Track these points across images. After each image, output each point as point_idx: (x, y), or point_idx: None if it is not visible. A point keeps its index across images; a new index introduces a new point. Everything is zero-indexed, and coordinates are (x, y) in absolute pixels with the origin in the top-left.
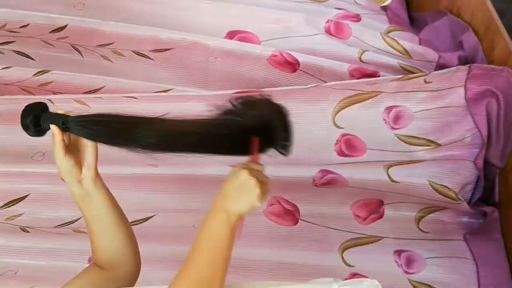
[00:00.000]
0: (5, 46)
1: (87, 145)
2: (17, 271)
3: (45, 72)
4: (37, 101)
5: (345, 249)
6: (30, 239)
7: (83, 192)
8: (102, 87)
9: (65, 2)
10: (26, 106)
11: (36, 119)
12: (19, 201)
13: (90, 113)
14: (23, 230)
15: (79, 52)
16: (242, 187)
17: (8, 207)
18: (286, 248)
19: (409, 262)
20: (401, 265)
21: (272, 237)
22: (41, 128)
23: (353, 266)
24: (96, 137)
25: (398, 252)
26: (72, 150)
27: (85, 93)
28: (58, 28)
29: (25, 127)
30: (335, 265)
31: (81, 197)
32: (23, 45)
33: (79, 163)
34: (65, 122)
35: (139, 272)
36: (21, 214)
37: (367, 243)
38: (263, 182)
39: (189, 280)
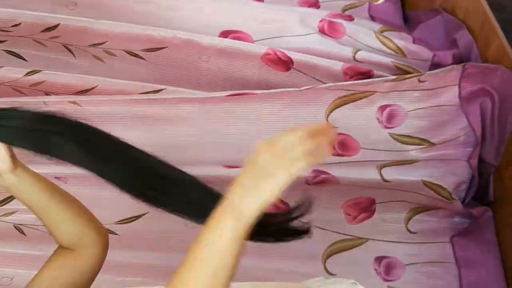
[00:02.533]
0: None
1: None
2: (12, 278)
3: (36, 72)
4: None
5: (328, 255)
6: (25, 245)
7: (8, 184)
8: (95, 87)
9: (57, 2)
10: None
11: None
12: (13, 199)
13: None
14: (17, 229)
15: (71, 52)
16: (282, 153)
17: (2, 205)
18: (274, 256)
19: (388, 269)
20: (380, 272)
21: (261, 245)
22: None
23: (334, 275)
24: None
25: (379, 259)
26: None
27: (77, 93)
28: (50, 27)
29: None
30: (317, 274)
31: (10, 189)
32: (15, 44)
33: None
34: None
35: (107, 244)
36: (15, 212)
37: (351, 247)
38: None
39: None
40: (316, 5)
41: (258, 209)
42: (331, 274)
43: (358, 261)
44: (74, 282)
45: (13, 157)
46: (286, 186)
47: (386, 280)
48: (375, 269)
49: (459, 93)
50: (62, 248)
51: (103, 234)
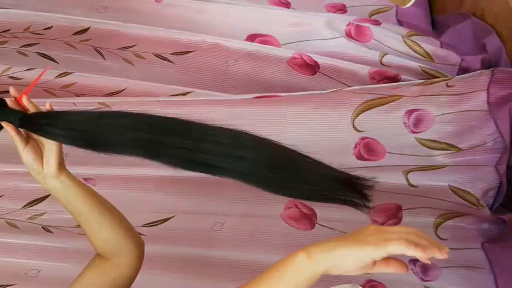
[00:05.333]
0: (29, 48)
1: (47, 141)
2: (40, 270)
3: (68, 74)
4: None
5: None
6: (52, 239)
7: (51, 187)
8: (124, 89)
9: (88, 6)
10: None
11: None
12: (41, 201)
13: (49, 111)
14: (45, 230)
15: (101, 54)
16: (364, 235)
17: (31, 206)
18: None
19: (425, 270)
20: (417, 272)
21: (289, 243)
22: None
23: (368, 273)
24: (56, 139)
25: (414, 261)
26: (34, 144)
27: (107, 95)
28: (81, 31)
29: None
30: None
31: (52, 192)
32: (47, 47)
33: (39, 158)
34: (22, 119)
35: (143, 255)
36: (44, 213)
37: None
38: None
39: None
40: (343, 9)
41: (330, 266)
42: (366, 273)
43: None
44: None
45: (60, 163)
46: (365, 260)
47: (423, 280)
48: (412, 269)
49: (488, 98)
50: (99, 256)
51: (140, 245)
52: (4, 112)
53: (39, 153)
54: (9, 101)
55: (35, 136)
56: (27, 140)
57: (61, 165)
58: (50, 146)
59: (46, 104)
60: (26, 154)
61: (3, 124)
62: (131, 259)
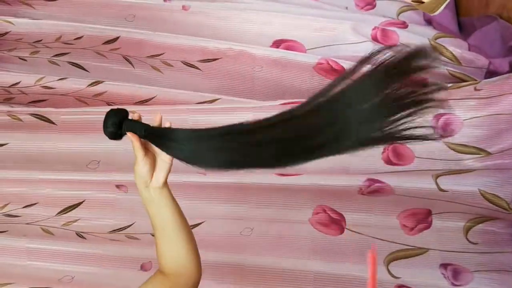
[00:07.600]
0: (61, 58)
1: (161, 155)
2: (73, 276)
3: (99, 83)
4: (120, 107)
5: (390, 261)
6: (85, 245)
7: (149, 197)
8: (154, 97)
9: (117, 15)
10: (111, 110)
11: (119, 123)
12: (75, 207)
13: (174, 128)
14: (79, 236)
15: (131, 63)
16: None
17: (65, 213)
18: (331, 259)
19: (456, 274)
20: (447, 277)
21: (317, 248)
22: (121, 133)
23: (399, 278)
24: (173, 154)
25: (444, 265)
26: (150, 156)
27: (137, 103)
28: (111, 40)
29: (108, 129)
30: (380, 277)
31: (147, 201)
32: (78, 56)
33: (152, 170)
34: (146, 131)
35: (199, 282)
36: (77, 220)
37: (413, 256)
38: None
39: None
40: (372, 4)
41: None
42: (396, 277)
43: (423, 265)
44: None
45: (166, 178)
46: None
47: (454, 285)
48: (443, 273)
49: None
50: (161, 273)
51: (199, 271)
52: (132, 123)
53: (153, 165)
54: (136, 115)
55: (152, 150)
56: (145, 151)
57: (166, 180)
58: (163, 163)
59: (166, 123)
60: (144, 164)
61: (129, 134)
62: (190, 282)
